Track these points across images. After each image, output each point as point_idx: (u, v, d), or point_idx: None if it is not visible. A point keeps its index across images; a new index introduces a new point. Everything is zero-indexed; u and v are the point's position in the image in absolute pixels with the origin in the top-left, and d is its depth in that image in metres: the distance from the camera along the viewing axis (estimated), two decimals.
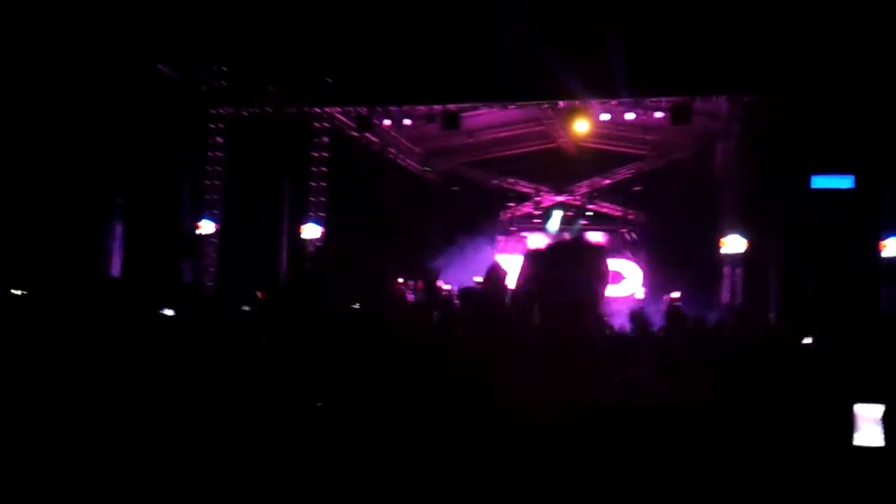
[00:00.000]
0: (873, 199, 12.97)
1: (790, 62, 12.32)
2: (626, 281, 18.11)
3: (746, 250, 13.52)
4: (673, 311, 8.92)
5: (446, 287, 13.76)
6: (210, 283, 14.90)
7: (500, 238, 19.51)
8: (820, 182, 13.84)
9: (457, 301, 13.12)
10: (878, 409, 3.94)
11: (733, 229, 13.53)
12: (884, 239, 12.47)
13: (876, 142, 12.77)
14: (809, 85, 12.63)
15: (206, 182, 15.54)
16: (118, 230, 13.01)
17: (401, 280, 14.29)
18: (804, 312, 12.07)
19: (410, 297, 13.63)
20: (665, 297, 13.34)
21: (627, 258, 18.50)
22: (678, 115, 13.89)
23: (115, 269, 12.87)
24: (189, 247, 14.75)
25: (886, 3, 11.11)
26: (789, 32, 11.76)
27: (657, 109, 14.07)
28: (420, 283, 14.24)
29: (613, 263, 18.50)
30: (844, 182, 13.90)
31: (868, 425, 3.89)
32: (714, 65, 12.47)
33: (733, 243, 13.44)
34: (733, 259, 13.62)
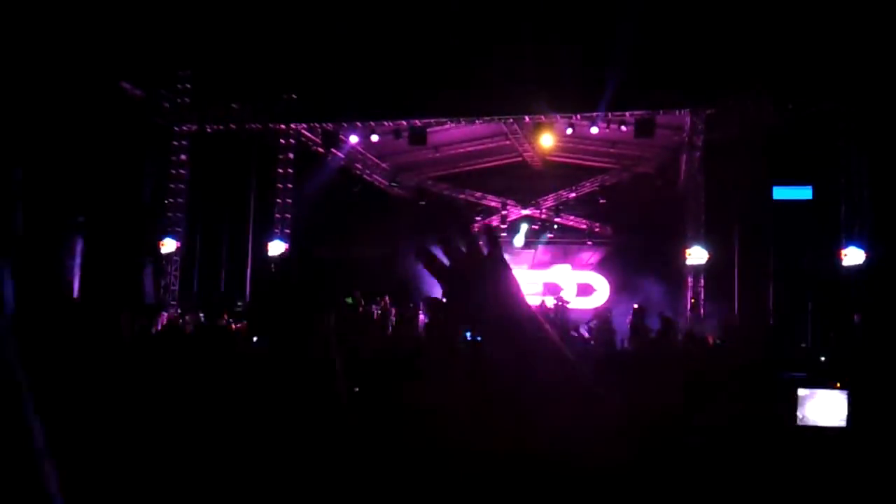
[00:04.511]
0: (831, 210, 13.24)
1: (750, 76, 12.56)
2: (596, 293, 18.21)
3: (709, 260, 13.69)
4: (638, 321, 8.96)
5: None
6: (173, 302, 14.69)
7: None
8: (780, 193, 14.10)
9: (422, 313, 13.09)
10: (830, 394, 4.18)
11: (696, 240, 13.70)
12: (842, 248, 12.71)
13: (833, 154, 13.06)
14: (769, 98, 12.88)
15: (169, 200, 15.33)
16: (79, 248, 12.78)
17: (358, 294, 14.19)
18: (766, 321, 12.25)
19: (377, 312, 13.57)
20: (631, 308, 13.44)
21: (595, 271, 18.63)
22: (642, 129, 14.06)
23: (76, 287, 12.64)
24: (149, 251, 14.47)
25: (842, 18, 11.38)
26: (750, 47, 11.99)
27: (622, 123, 14.23)
28: (387, 299, 14.18)
29: (582, 276, 18.62)
30: (803, 193, 14.18)
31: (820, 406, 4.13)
32: (677, 78, 12.66)
33: (696, 254, 13.59)
34: (696, 269, 13.77)
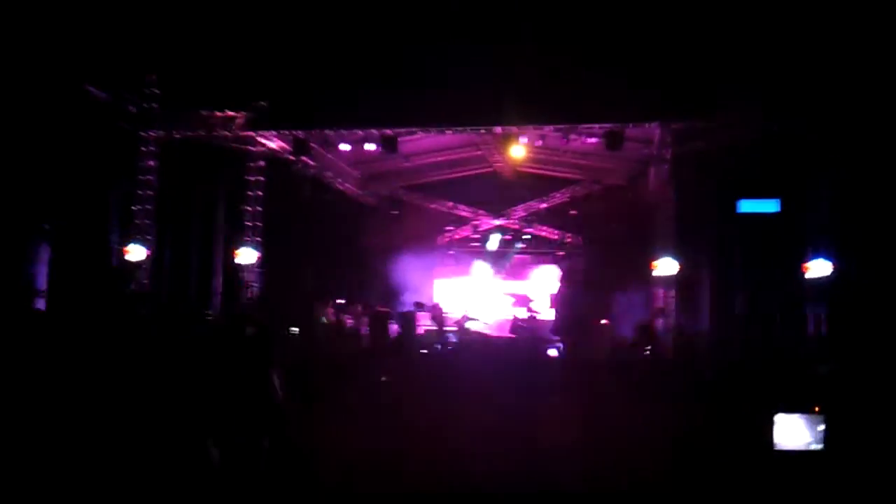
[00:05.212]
0: (798, 223, 13.46)
1: (720, 92, 12.73)
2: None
3: (678, 272, 13.79)
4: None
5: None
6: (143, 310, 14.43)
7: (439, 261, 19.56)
8: (747, 206, 14.31)
9: (394, 323, 13.04)
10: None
11: (666, 252, 13.81)
12: (807, 261, 12.90)
13: (801, 168, 13.29)
14: (737, 112, 13.06)
15: (137, 206, 15.05)
16: (44, 256, 12.50)
17: (340, 301, 14.11)
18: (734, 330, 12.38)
19: (349, 321, 13.49)
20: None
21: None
22: (611, 141, 14.16)
23: (43, 295, 12.36)
24: (123, 275, 14.26)
25: (805, 31, 11.62)
26: (720, 63, 12.17)
27: (591, 135, 14.32)
28: (360, 308, 14.10)
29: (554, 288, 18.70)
30: (770, 206, 14.39)
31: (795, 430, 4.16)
32: (645, 92, 12.79)
33: (665, 266, 13.69)
34: (666, 281, 13.88)
